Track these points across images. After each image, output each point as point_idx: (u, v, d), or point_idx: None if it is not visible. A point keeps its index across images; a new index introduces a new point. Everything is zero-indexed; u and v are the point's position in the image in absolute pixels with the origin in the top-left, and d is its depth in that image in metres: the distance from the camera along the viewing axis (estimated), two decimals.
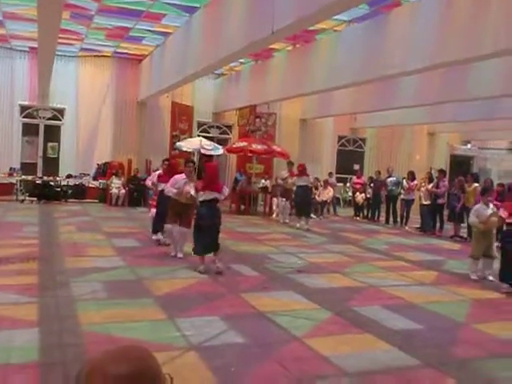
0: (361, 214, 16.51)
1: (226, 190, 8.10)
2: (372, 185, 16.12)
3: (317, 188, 16.62)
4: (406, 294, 6.90)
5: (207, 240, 7.44)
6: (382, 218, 15.77)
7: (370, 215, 16.24)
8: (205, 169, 7.87)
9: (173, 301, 5.98)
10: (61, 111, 17.47)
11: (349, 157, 21.20)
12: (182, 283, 6.84)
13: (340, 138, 21.23)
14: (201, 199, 7.58)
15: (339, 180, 19.50)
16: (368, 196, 16.19)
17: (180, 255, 8.46)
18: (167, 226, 8.59)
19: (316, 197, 16.33)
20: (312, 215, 15.33)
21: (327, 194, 16.55)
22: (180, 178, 8.37)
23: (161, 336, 4.79)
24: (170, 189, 8.37)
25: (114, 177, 16.32)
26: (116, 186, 16.22)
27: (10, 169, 16.46)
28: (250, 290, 6.62)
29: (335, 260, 9.18)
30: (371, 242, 11.71)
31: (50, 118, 17.52)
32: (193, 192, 7.84)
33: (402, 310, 6.05)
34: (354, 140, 21.61)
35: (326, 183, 16.86)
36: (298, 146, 19.39)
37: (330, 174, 18.43)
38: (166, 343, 4.62)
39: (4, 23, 13.66)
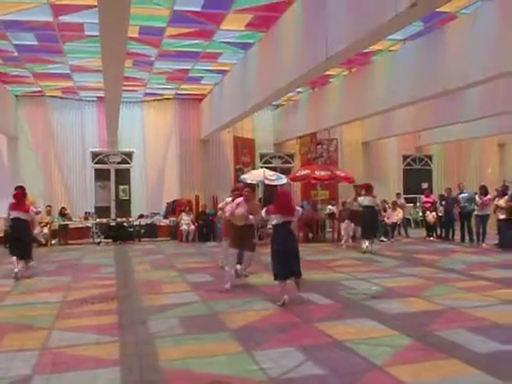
0: (434, 234, 15.97)
1: (300, 211, 8.10)
2: (443, 203, 15.61)
3: (385, 210, 16.30)
4: (489, 314, 6.56)
5: (286, 265, 7.38)
6: (457, 237, 15.18)
7: (443, 234, 15.68)
8: (277, 195, 7.91)
9: (248, 333, 5.98)
10: (129, 155, 18.23)
11: (416, 176, 20.70)
12: (256, 315, 6.84)
13: (405, 157, 20.83)
14: (273, 223, 7.59)
15: (408, 200, 19.02)
16: (439, 215, 15.67)
17: (245, 273, 8.56)
18: (230, 251, 8.74)
19: (385, 219, 16.00)
20: (383, 238, 15.02)
21: (397, 216, 16.17)
22: (238, 201, 8.60)
23: (239, 370, 4.79)
24: (227, 211, 8.72)
25: (183, 214, 16.74)
26: (185, 222, 16.61)
27: (86, 213, 17.24)
28: (325, 319, 6.52)
29: (410, 283, 8.90)
30: (447, 262, 11.27)
31: (119, 162, 18.31)
32: (262, 212, 7.89)
33: (487, 332, 5.75)
34: (420, 158, 21.12)
35: (395, 205, 16.51)
36: (362, 168, 19.18)
37: (398, 194, 18.04)
38: (244, 377, 4.61)
39: (72, 76, 14.54)
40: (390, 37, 9.08)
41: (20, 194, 10.11)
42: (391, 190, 19.20)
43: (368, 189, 13.15)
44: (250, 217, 8.22)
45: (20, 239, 9.94)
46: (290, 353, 5.21)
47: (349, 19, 7.14)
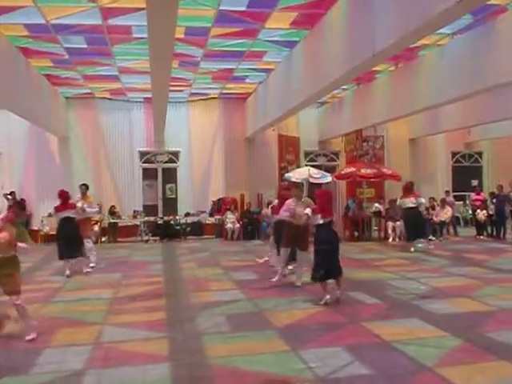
0: (484, 233, 15.51)
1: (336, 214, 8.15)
2: (494, 201, 15.14)
3: (433, 208, 15.95)
4: None
5: (329, 265, 7.37)
6: (509, 236, 14.69)
7: (494, 233, 15.21)
8: (318, 195, 7.88)
9: (295, 332, 5.98)
10: (176, 154, 18.50)
11: (465, 173, 20.16)
12: (302, 314, 6.84)
13: (454, 154, 20.31)
14: (320, 222, 7.55)
15: (457, 198, 18.54)
16: (490, 213, 15.21)
17: (298, 283, 8.52)
18: (282, 249, 8.79)
19: (434, 217, 15.65)
20: (431, 237, 14.69)
21: (445, 214, 15.79)
22: (290, 201, 8.62)
23: (286, 368, 4.81)
24: (283, 213, 8.71)
25: (228, 212, 16.88)
26: (231, 220, 16.75)
27: (134, 211, 17.62)
28: (372, 319, 6.45)
29: (460, 283, 8.68)
30: (499, 261, 10.93)
31: (166, 162, 18.61)
32: (308, 211, 7.85)
33: None
34: (470, 155, 20.56)
35: (444, 202, 16.13)
36: (409, 166, 18.82)
37: (447, 192, 17.61)
38: (292, 376, 4.63)
39: (120, 78, 14.88)
40: (438, 31, 8.86)
41: (63, 193, 10.41)
42: (440, 187, 18.75)
43: (408, 189, 12.89)
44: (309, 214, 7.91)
45: (71, 238, 10.24)
46: (337, 352, 5.19)
47: (396, 14, 7.02)
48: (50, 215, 10.79)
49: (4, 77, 10.63)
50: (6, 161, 17.49)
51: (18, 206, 16.12)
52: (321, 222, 7.52)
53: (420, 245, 12.86)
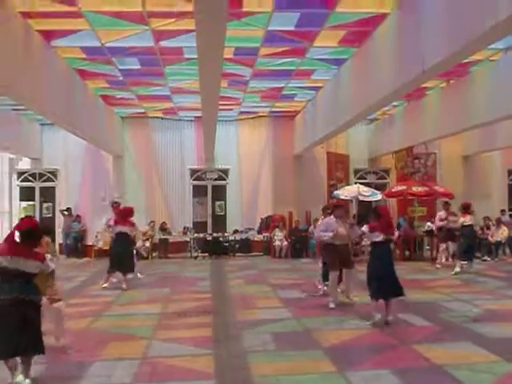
0: None
1: (396, 232, 7.95)
2: None
3: (488, 228, 15.42)
4: None
5: (385, 283, 7.18)
6: None
7: None
8: (380, 212, 7.72)
9: (342, 353, 5.90)
10: (225, 171, 18.72)
11: None
12: (350, 334, 6.73)
13: (510, 171, 19.58)
14: (376, 240, 7.37)
15: None
16: None
17: (349, 299, 8.39)
18: (332, 274, 8.52)
19: (489, 237, 15.13)
20: (486, 257, 14.20)
21: (501, 234, 15.23)
22: (330, 220, 8.47)
23: None
24: (323, 234, 8.47)
25: (276, 229, 16.88)
26: (279, 238, 16.73)
27: (184, 228, 17.90)
28: (423, 341, 6.27)
29: None
30: None
31: (216, 179, 18.85)
32: (365, 228, 7.55)
33: None
34: None
35: (499, 222, 15.56)
36: (463, 184, 18.27)
37: (503, 211, 17.00)
38: None
39: (172, 97, 15.26)
40: (491, 46, 8.65)
41: (128, 211, 10.96)
42: (495, 206, 18.08)
43: (465, 208, 12.49)
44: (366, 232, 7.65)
45: (123, 253, 10.56)
46: (385, 375, 5.07)
47: (445, 30, 6.91)
48: (109, 227, 11.17)
49: (62, 97, 11.12)
50: (63, 178, 18.19)
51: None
52: (378, 239, 7.33)
53: (465, 266, 12.33)
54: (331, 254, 8.48)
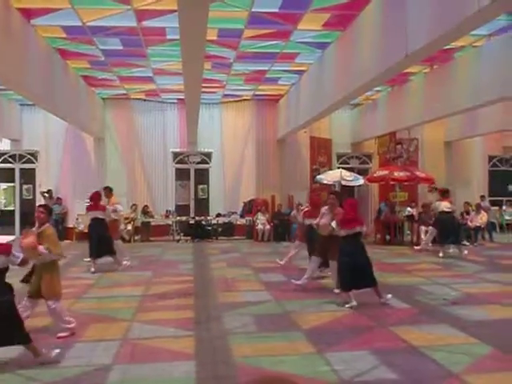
0: None
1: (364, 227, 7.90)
2: None
3: (468, 213, 15.63)
4: None
5: (354, 277, 7.24)
6: None
7: None
8: (346, 205, 7.70)
9: (321, 334, 5.96)
10: (208, 155, 18.65)
11: (502, 178, 19.65)
12: (329, 316, 6.80)
13: (491, 157, 19.83)
14: (342, 234, 7.40)
15: (493, 203, 18.11)
16: None
17: (337, 290, 8.42)
18: (313, 258, 8.58)
19: (468, 222, 15.34)
20: (465, 242, 14.40)
21: (480, 220, 15.46)
22: (323, 210, 8.42)
23: (311, 370, 4.79)
24: (312, 221, 8.63)
25: (259, 213, 16.92)
26: (261, 222, 16.78)
27: (166, 211, 17.84)
28: (401, 324, 6.37)
29: (494, 290, 8.49)
30: None
31: (199, 162, 18.77)
32: (334, 224, 7.58)
33: None
34: (508, 159, 20.03)
35: (479, 207, 15.78)
36: (444, 169, 18.47)
37: (482, 197, 17.24)
38: (316, 377, 4.62)
39: (154, 79, 15.10)
40: (474, 32, 8.69)
41: (95, 195, 10.92)
42: (475, 192, 18.34)
43: (444, 193, 12.63)
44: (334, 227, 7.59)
45: (100, 237, 10.56)
46: (363, 356, 5.14)
47: (429, 15, 6.92)
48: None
49: (42, 77, 10.92)
50: (43, 159, 17.94)
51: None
52: (345, 233, 7.38)
53: (450, 250, 12.63)
54: (318, 241, 8.36)
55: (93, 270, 10.47)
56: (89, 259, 10.90)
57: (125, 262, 11.07)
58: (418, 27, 7.22)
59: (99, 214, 10.69)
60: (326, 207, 8.36)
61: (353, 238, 7.42)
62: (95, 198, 10.86)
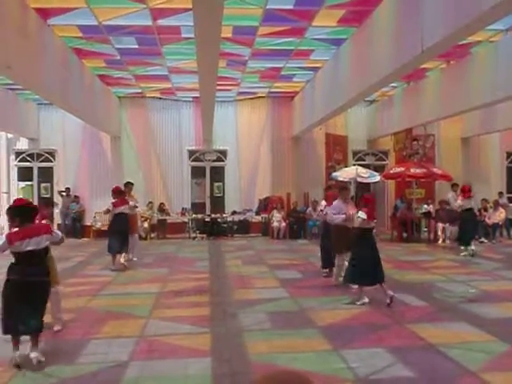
0: None
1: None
2: None
3: (486, 210, 15.46)
4: None
5: (370, 271, 7.20)
6: None
7: None
8: (364, 199, 7.67)
9: (337, 331, 5.94)
10: (223, 153, 18.68)
11: None
12: (345, 313, 6.78)
13: (509, 154, 19.55)
14: (367, 227, 7.36)
15: (511, 200, 17.88)
16: None
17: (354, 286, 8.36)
18: (339, 258, 8.44)
19: (486, 219, 15.18)
20: (483, 239, 14.25)
21: (499, 216, 15.28)
22: (341, 204, 8.37)
23: (326, 367, 4.78)
24: (336, 216, 8.29)
25: (274, 211, 16.91)
26: (277, 219, 16.77)
27: (182, 209, 17.92)
28: (418, 321, 6.32)
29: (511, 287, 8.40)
30: None
31: (214, 160, 18.80)
32: (362, 215, 7.28)
33: None
34: None
35: (497, 204, 15.60)
36: (461, 166, 18.27)
37: (501, 193, 17.02)
38: (332, 375, 4.61)
39: (170, 77, 15.16)
40: (491, 27, 8.58)
41: (120, 190, 10.92)
42: (493, 188, 18.10)
43: (467, 190, 12.43)
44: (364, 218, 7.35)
45: (125, 234, 10.63)
46: (379, 353, 5.12)
47: (445, 9, 6.84)
48: (107, 211, 11.04)
49: (59, 76, 11.03)
50: (60, 158, 18.14)
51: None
52: (368, 227, 7.38)
53: (473, 248, 12.36)
54: (341, 237, 8.22)
55: (113, 267, 10.45)
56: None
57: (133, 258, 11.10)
58: (434, 22, 7.15)
59: (126, 210, 10.73)
60: (342, 202, 8.34)
61: (372, 232, 7.47)
62: (121, 193, 10.86)
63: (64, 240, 5.64)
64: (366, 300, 7.21)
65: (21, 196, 18.70)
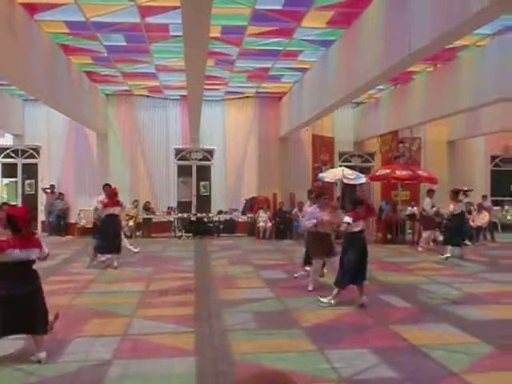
0: None
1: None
2: None
3: (470, 213, 15.59)
4: None
5: (356, 273, 7.26)
6: None
7: None
8: (361, 200, 7.74)
9: (322, 332, 5.96)
10: (210, 152, 18.63)
11: (504, 178, 19.59)
12: (330, 314, 6.80)
13: (493, 157, 19.77)
14: (356, 230, 7.37)
15: (495, 203, 18.08)
16: None
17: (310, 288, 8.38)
18: (316, 262, 8.44)
19: (470, 222, 15.31)
20: (467, 242, 14.36)
21: (482, 219, 15.43)
22: (315, 210, 8.41)
23: (311, 368, 4.79)
24: (308, 222, 8.37)
25: (260, 211, 16.90)
26: (263, 219, 16.77)
27: (168, 208, 17.84)
28: (402, 322, 6.37)
29: (494, 289, 8.48)
30: None
31: (201, 159, 18.76)
32: (348, 219, 7.34)
33: None
34: (510, 159, 19.98)
35: (481, 207, 15.75)
36: (447, 169, 18.45)
37: (484, 197, 17.18)
38: (316, 375, 4.62)
39: (157, 75, 15.09)
40: (478, 31, 8.67)
41: (113, 191, 10.73)
42: (478, 191, 18.27)
43: (456, 194, 12.39)
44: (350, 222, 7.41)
45: (116, 235, 10.58)
46: (363, 354, 5.14)
47: (433, 13, 6.89)
48: (96, 209, 10.92)
49: (45, 73, 10.91)
50: (45, 154, 17.95)
51: None
52: (359, 229, 7.37)
53: (456, 251, 12.44)
54: (315, 242, 8.36)
55: (93, 262, 10.44)
56: (104, 257, 10.74)
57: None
58: (422, 25, 7.19)
59: (117, 211, 10.65)
60: (317, 208, 8.35)
61: (363, 234, 7.48)
62: (113, 193, 10.70)
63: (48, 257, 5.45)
64: (333, 302, 7.23)
65: (4, 193, 18.56)
